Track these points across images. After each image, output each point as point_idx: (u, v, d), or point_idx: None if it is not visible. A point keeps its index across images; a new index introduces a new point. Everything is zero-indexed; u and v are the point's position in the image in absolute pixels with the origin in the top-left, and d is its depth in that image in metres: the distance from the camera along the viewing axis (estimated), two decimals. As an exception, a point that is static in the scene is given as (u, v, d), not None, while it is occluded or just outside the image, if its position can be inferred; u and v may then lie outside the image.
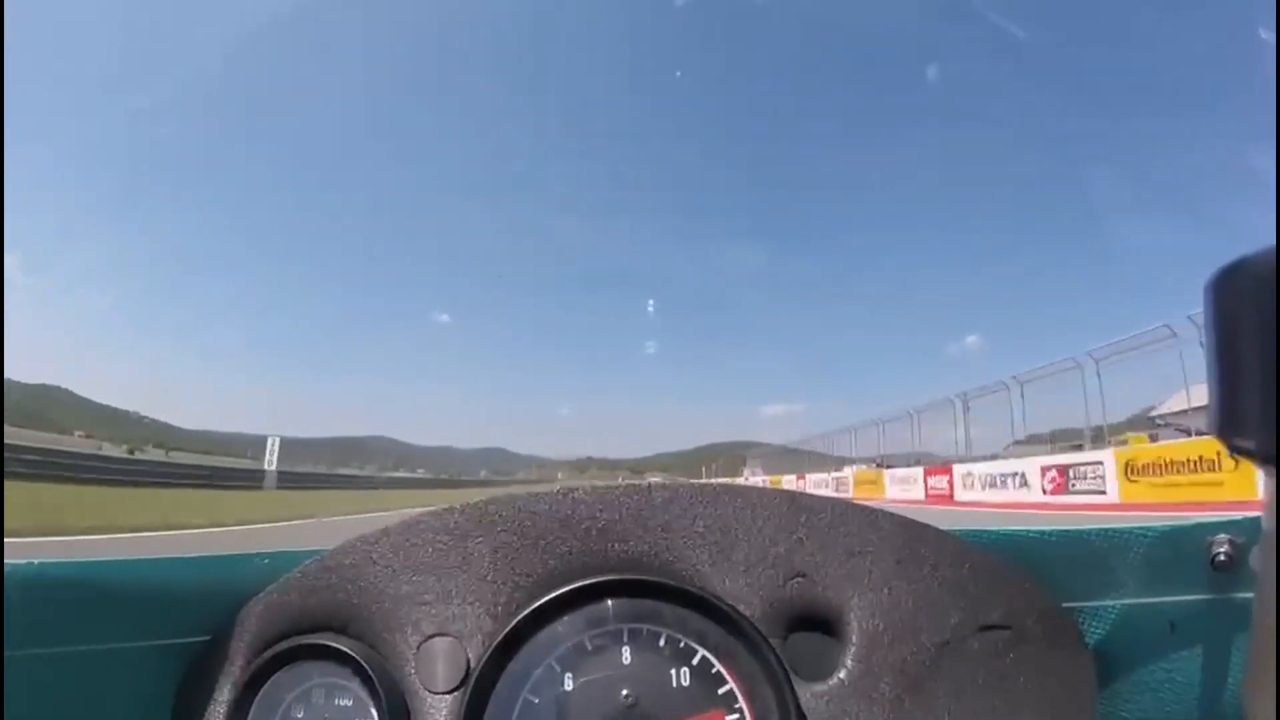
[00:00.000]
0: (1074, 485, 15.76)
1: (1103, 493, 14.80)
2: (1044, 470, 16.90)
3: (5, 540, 0.62)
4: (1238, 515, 0.54)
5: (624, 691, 0.56)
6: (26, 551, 0.61)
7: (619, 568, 0.59)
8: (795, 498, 0.60)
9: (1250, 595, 0.50)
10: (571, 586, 0.58)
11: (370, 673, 0.58)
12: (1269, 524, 0.26)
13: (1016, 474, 18.02)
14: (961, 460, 22.33)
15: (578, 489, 0.62)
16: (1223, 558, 0.53)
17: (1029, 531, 0.59)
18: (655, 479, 0.67)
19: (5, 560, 0.55)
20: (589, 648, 0.58)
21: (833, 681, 0.56)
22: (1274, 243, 0.24)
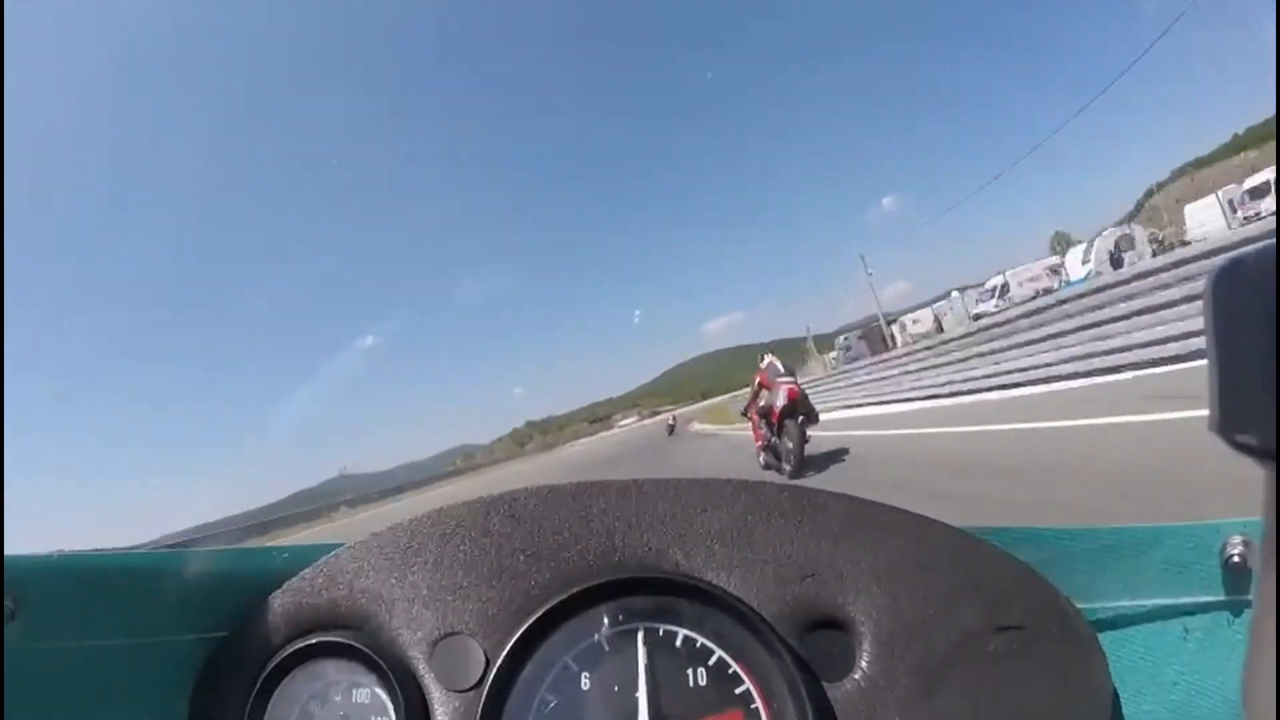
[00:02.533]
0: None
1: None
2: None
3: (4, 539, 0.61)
4: (1254, 519, 0.52)
5: (642, 690, 0.55)
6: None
7: (634, 566, 0.59)
8: (809, 494, 0.60)
9: None
10: (587, 585, 0.58)
11: (388, 670, 0.58)
12: (1268, 521, 0.26)
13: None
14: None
15: (594, 485, 0.62)
16: (1237, 559, 0.53)
17: (1044, 530, 0.59)
18: (663, 478, 0.65)
19: (18, 553, 0.55)
20: (606, 647, 0.58)
21: (849, 681, 0.56)
22: (1274, 241, 0.23)
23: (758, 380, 8.12)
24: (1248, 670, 0.26)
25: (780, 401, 7.37)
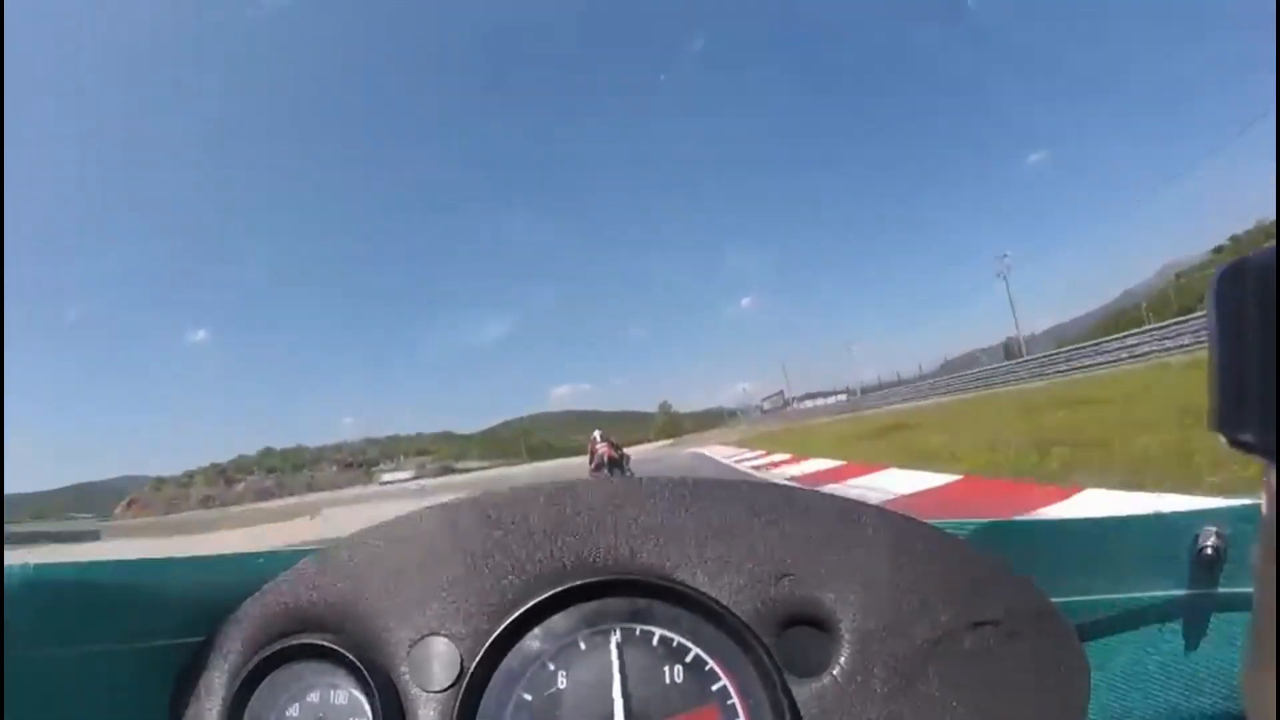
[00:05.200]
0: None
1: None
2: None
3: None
4: (1224, 505, 0.54)
5: (617, 689, 0.56)
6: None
7: (612, 567, 0.60)
8: (787, 494, 0.60)
9: (1238, 590, 0.53)
10: (564, 587, 0.58)
11: (364, 672, 0.58)
12: (1270, 517, 0.26)
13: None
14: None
15: (573, 486, 0.62)
16: (1210, 550, 0.53)
17: (1020, 524, 0.60)
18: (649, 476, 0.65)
19: (11, 561, 0.56)
20: (582, 646, 0.58)
21: (825, 678, 0.56)
22: (1275, 241, 0.24)
23: (590, 446, 13.79)
24: (1248, 668, 0.27)
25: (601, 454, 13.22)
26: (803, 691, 0.56)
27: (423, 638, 0.60)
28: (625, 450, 14.42)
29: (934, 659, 0.55)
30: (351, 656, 0.59)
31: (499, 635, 0.57)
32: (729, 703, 0.56)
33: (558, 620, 0.58)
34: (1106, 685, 0.58)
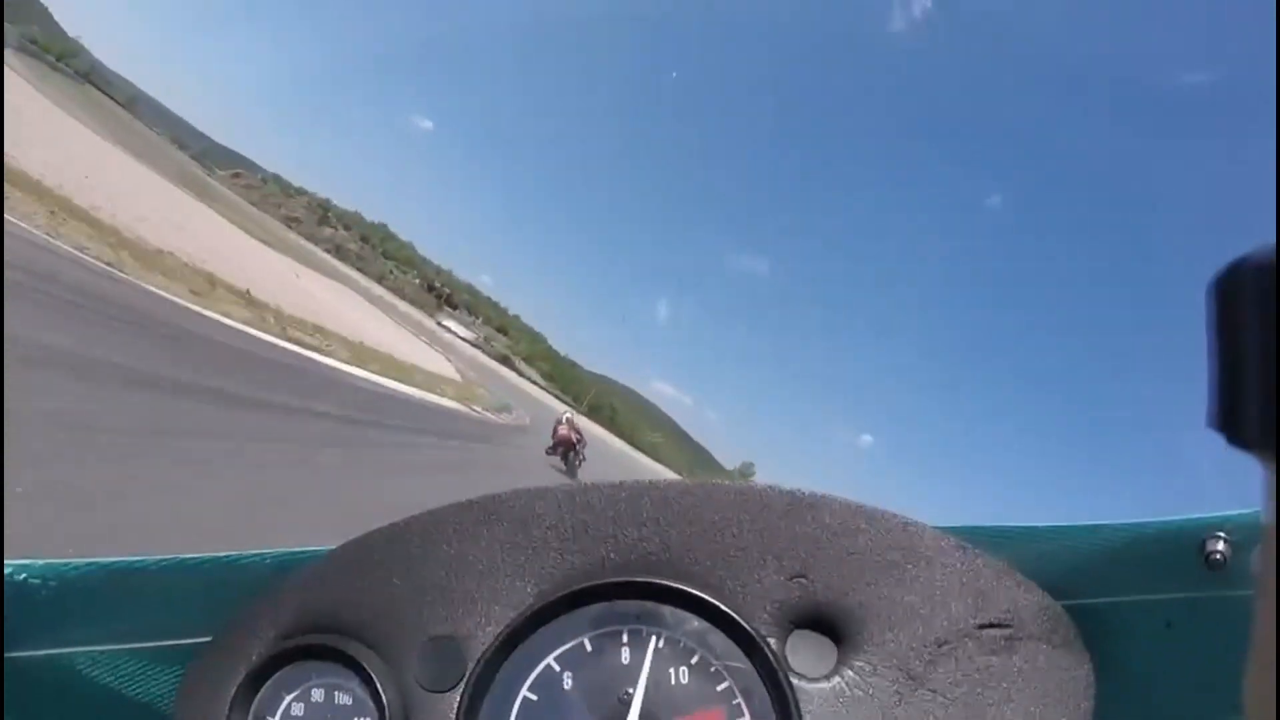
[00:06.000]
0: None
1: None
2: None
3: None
4: (1233, 513, 0.53)
5: (623, 690, 0.56)
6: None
7: (620, 568, 0.60)
8: (797, 497, 0.60)
9: (1245, 593, 0.53)
10: (570, 590, 0.58)
11: (370, 672, 0.59)
12: (1269, 517, 0.26)
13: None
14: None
15: (581, 487, 0.62)
16: (1218, 556, 0.52)
17: (1029, 529, 0.59)
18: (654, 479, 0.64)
19: (12, 560, 0.56)
20: (589, 648, 0.58)
21: (832, 681, 0.56)
22: (1275, 240, 0.23)
23: (554, 426, 15.79)
24: (1249, 669, 0.26)
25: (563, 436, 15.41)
26: (809, 693, 0.56)
27: (429, 639, 0.60)
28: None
29: (940, 662, 0.56)
30: (356, 657, 0.59)
31: (505, 635, 0.57)
32: (735, 703, 0.56)
33: (564, 622, 0.58)
34: (1112, 690, 0.57)
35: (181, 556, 0.62)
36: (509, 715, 0.57)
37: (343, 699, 0.61)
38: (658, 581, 0.57)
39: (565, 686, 0.57)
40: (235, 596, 0.64)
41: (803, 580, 0.58)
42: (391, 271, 62.46)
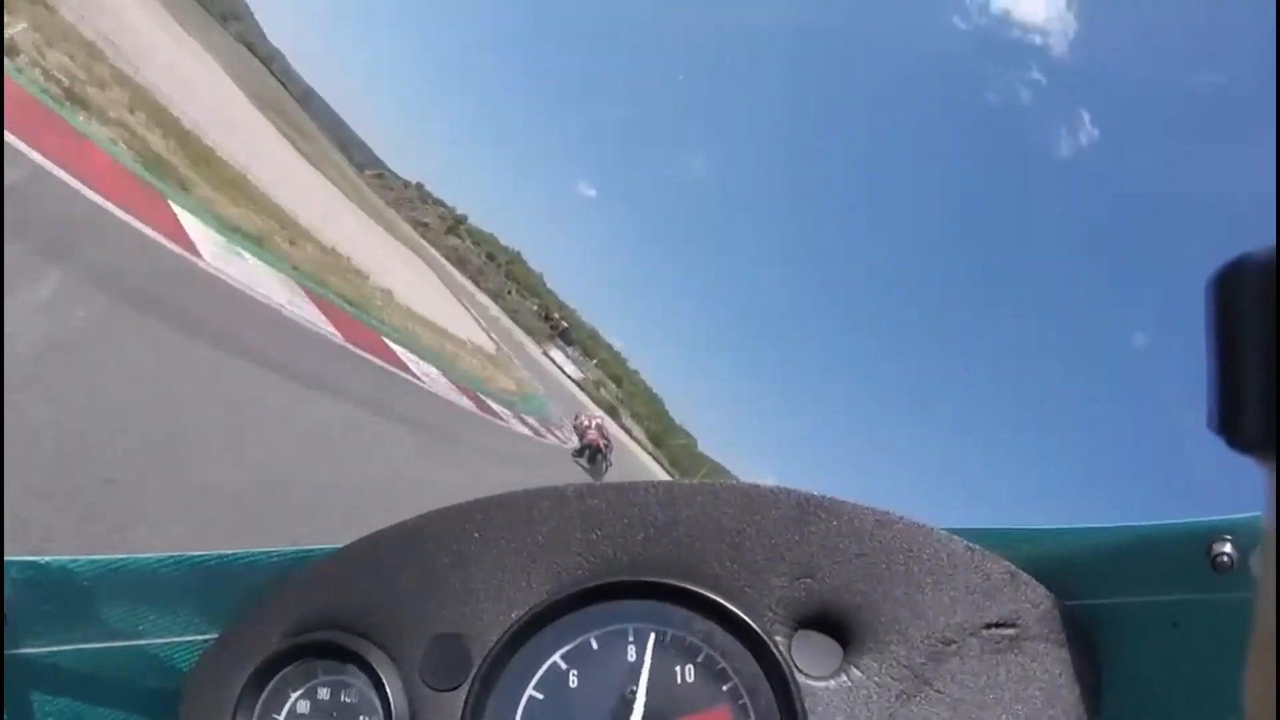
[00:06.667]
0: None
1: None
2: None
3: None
4: (1240, 516, 0.53)
5: (629, 688, 0.56)
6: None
7: (627, 568, 0.60)
8: (805, 499, 0.60)
9: (1251, 596, 0.54)
10: (577, 589, 0.58)
11: (376, 670, 0.59)
12: (1269, 520, 0.25)
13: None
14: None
15: (589, 487, 0.62)
16: (1225, 559, 0.52)
17: (1035, 530, 0.59)
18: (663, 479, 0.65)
19: (14, 557, 0.56)
20: (595, 646, 0.59)
21: (838, 680, 0.57)
22: (1274, 241, 0.23)
23: (577, 425, 15.21)
24: (1249, 670, 0.26)
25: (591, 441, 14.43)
26: (815, 693, 0.56)
27: (436, 636, 0.60)
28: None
29: (946, 662, 0.56)
30: (363, 655, 0.59)
31: (511, 634, 0.58)
32: (740, 703, 0.56)
33: (571, 620, 0.58)
34: (1117, 690, 0.58)
35: (184, 554, 0.62)
36: (515, 713, 0.57)
37: (349, 697, 0.61)
38: (664, 581, 0.58)
39: (571, 685, 0.58)
40: (240, 595, 0.64)
41: (809, 581, 0.58)
42: (510, 292, 52.74)
